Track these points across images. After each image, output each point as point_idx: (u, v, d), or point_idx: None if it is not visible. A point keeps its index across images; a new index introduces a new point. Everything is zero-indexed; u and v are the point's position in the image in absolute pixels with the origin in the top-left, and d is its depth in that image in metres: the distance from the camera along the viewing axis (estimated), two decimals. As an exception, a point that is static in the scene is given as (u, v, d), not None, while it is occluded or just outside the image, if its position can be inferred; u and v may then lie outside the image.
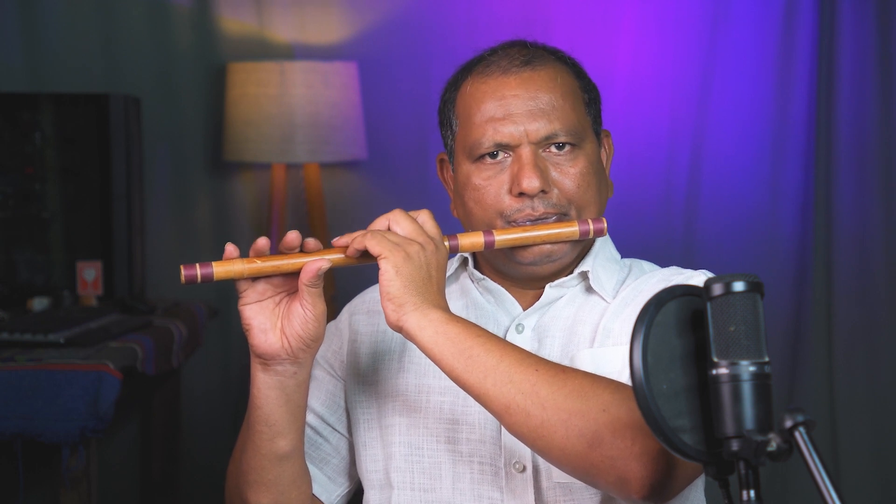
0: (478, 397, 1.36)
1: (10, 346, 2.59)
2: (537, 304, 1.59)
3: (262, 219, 3.56)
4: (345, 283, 3.42)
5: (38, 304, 2.94)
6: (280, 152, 3.30)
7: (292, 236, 1.43)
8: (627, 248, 1.74)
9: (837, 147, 3.45)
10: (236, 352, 3.58)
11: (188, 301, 3.19)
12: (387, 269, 1.40)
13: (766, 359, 1.10)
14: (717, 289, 1.10)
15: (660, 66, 3.55)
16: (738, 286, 1.10)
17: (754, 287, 1.10)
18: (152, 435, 3.28)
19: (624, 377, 1.46)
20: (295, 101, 3.28)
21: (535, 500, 1.52)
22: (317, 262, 1.42)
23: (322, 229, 3.42)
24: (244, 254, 1.43)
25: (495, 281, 1.62)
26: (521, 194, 1.54)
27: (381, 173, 3.59)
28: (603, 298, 1.58)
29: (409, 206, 1.51)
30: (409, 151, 3.57)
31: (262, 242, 1.43)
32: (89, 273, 3.00)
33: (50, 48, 3.44)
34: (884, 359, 3.48)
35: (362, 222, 1.50)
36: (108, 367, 2.43)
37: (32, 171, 3.07)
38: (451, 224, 1.57)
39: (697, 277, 1.54)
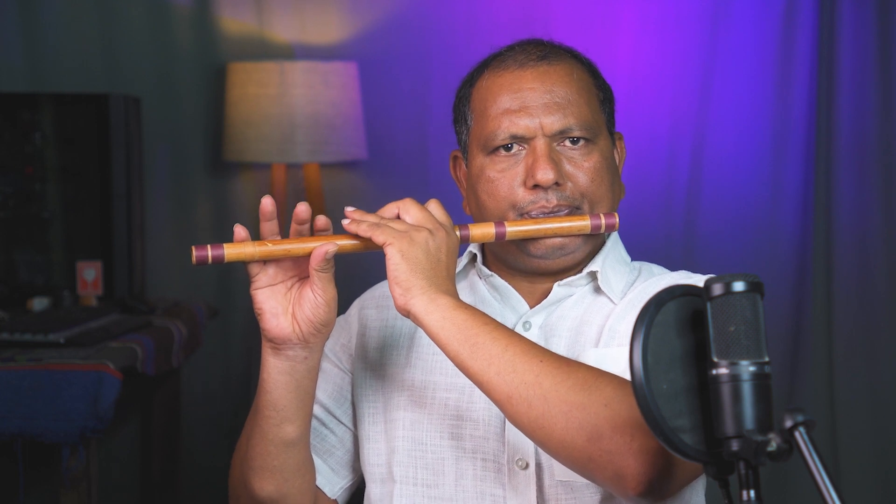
0: (481, 385, 1.37)
1: (10, 346, 2.59)
2: (545, 301, 1.58)
3: (263, 219, 3.55)
4: (345, 281, 3.41)
5: (38, 304, 2.94)
6: (280, 152, 3.30)
7: (302, 208, 1.43)
8: (627, 248, 1.73)
9: (837, 147, 3.45)
10: (236, 352, 3.57)
11: (188, 301, 3.19)
12: (392, 254, 1.41)
13: (766, 359, 1.10)
14: (717, 289, 1.10)
15: (660, 65, 3.55)
16: (738, 286, 1.10)
17: (754, 287, 1.10)
18: (152, 435, 3.28)
19: (628, 377, 1.46)
20: (295, 101, 3.28)
21: (538, 497, 1.52)
22: (324, 246, 1.42)
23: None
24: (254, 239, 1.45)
25: (503, 278, 1.62)
26: (536, 186, 1.54)
27: (381, 173, 3.59)
28: (611, 300, 1.58)
29: (409, 205, 1.51)
30: (409, 151, 3.57)
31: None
32: (89, 273, 3.00)
33: (50, 48, 3.44)
34: (884, 359, 3.47)
35: (362, 222, 1.50)
36: (108, 367, 2.43)
37: (32, 171, 3.06)
38: (458, 220, 1.56)
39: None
